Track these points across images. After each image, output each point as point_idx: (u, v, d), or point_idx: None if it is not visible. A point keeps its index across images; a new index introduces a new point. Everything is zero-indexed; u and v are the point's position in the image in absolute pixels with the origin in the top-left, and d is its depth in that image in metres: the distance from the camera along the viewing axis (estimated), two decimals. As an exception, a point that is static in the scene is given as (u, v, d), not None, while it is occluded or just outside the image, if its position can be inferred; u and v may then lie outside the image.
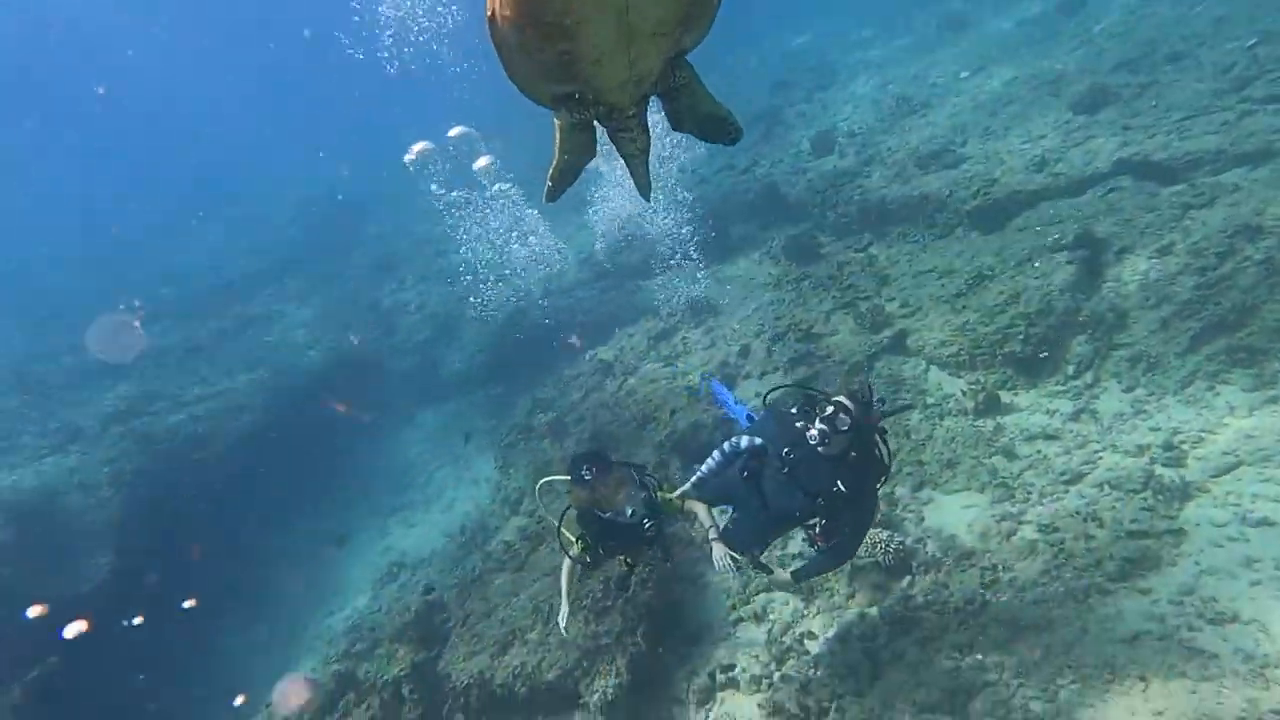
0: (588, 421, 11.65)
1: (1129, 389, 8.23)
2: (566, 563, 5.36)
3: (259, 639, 12.85)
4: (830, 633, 6.61)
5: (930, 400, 9.22)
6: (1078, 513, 6.76)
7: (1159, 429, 7.54)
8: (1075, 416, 8.13)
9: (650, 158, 2.95)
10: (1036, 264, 9.60)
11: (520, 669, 7.05)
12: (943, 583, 6.49)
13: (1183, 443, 7.25)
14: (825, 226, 13.99)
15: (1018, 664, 5.34)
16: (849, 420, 4.50)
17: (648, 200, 3.17)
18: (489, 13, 2.16)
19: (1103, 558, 6.13)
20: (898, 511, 7.78)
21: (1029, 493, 7.33)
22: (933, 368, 9.65)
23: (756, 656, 6.76)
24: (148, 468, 13.50)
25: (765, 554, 5.44)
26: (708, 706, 6.61)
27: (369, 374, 17.55)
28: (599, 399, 12.29)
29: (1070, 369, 8.74)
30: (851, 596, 6.85)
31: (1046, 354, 8.89)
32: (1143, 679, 4.87)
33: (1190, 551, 6.11)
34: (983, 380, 8.85)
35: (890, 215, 12.71)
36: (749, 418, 5.69)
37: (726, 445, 4.99)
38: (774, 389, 5.86)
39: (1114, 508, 6.70)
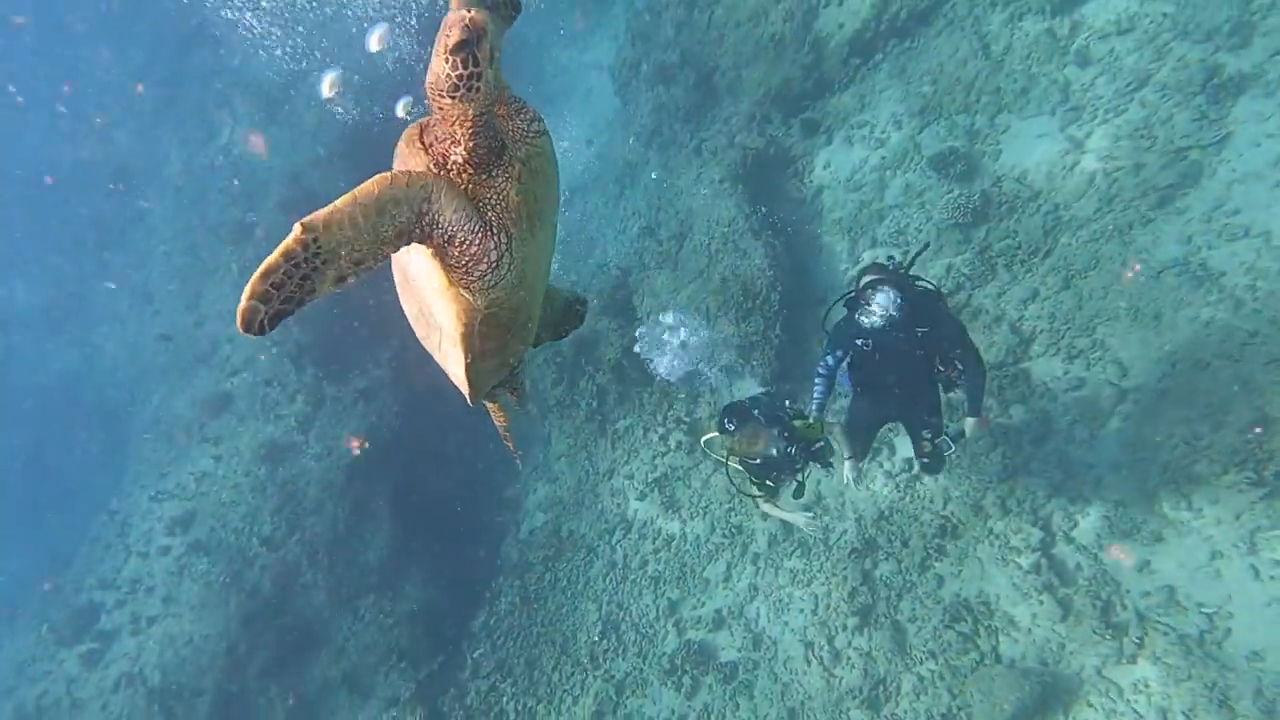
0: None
1: (1217, -69, 7.87)
2: (766, 506, 5.85)
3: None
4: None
5: (1011, -3, 9.12)
6: (1135, 131, 7.54)
7: (1236, -6, 7.52)
8: (1154, -9, 8.05)
9: None
10: None
11: (703, 356, 9.54)
12: (1013, 230, 7.87)
13: (1255, 13, 7.36)
14: None
15: (1067, 311, 7.07)
16: (890, 290, 4.95)
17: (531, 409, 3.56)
18: (468, 391, 2.51)
19: (1148, 189, 7.19)
20: (978, 146, 8.71)
21: (1097, 108, 7.96)
22: (1010, -51, 9.21)
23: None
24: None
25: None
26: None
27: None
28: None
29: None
30: (939, 250, 8.40)
31: (1131, -86, 8.32)
32: (1157, 316, 6.52)
33: (1229, 158, 7.01)
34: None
35: None
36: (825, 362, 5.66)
37: (821, 368, 5.51)
38: (824, 318, 5.78)
39: (1171, 117, 7.39)
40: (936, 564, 6.60)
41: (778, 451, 5.28)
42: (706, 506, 8.70)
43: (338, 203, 1.80)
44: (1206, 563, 5.35)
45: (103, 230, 19.79)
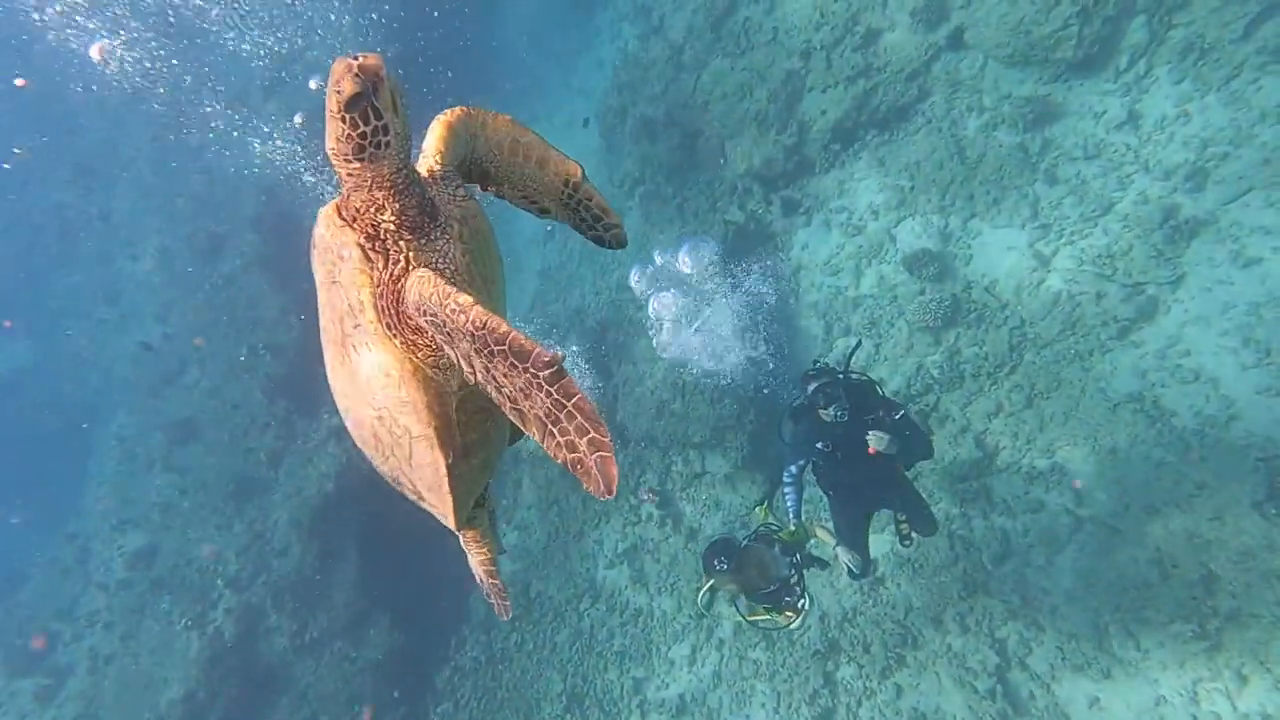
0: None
1: (1177, 81, 8.10)
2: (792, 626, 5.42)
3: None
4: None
5: (987, 103, 9.24)
6: (1098, 258, 7.73)
7: (1192, 140, 7.75)
8: (1120, 126, 8.25)
9: None
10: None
11: (675, 433, 9.47)
12: (981, 339, 8.01)
13: (1209, 160, 7.58)
14: None
15: (1029, 431, 7.22)
16: (837, 388, 5.04)
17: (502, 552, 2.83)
18: (450, 507, 2.05)
19: (1109, 319, 7.38)
20: (950, 248, 8.83)
21: (1063, 229, 8.13)
22: (990, 63, 9.34)
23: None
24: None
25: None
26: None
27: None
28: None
29: (1124, 60, 8.45)
30: (910, 349, 8.51)
31: (1098, 49, 8.52)
32: (1113, 450, 6.71)
33: (1183, 298, 7.22)
34: (1033, 92, 8.80)
35: None
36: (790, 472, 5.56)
37: (787, 476, 5.37)
38: (779, 431, 5.70)
39: (1130, 249, 7.58)
40: (897, 673, 6.72)
41: (788, 569, 5.06)
42: (674, 583, 8.69)
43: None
44: (1152, 707, 5.55)
45: (64, 222, 18.71)
